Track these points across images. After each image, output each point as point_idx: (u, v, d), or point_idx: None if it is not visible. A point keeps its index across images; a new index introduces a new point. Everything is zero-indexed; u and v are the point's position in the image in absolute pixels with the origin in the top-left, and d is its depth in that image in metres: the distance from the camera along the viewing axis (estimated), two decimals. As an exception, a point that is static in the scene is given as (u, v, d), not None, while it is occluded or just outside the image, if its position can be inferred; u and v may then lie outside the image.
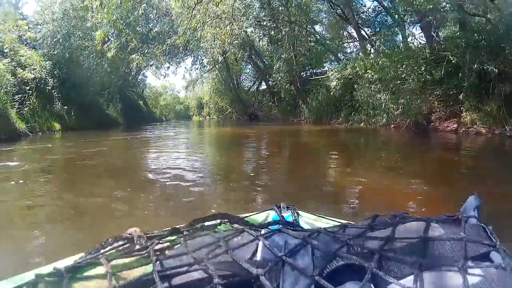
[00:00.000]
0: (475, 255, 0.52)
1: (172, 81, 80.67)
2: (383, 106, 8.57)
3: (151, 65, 21.50)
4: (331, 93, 12.22)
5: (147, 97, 33.38)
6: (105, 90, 19.20)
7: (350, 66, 11.17)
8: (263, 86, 27.51)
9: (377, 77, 8.76)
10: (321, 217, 0.89)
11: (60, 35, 15.42)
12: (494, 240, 0.54)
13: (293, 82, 16.87)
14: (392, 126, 8.99)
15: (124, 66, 16.61)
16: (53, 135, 11.89)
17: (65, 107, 14.09)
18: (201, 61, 26.48)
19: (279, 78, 15.74)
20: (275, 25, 14.56)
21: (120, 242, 0.65)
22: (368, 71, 9.01)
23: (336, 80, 11.61)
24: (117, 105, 20.29)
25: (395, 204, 2.88)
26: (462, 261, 0.49)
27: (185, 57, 26.69)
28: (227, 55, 15.52)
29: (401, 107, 8.05)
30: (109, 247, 0.63)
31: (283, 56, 14.54)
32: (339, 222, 0.81)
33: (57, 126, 12.97)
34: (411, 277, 0.49)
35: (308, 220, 0.88)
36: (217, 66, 27.25)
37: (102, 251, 0.61)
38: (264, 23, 14.95)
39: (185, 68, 26.84)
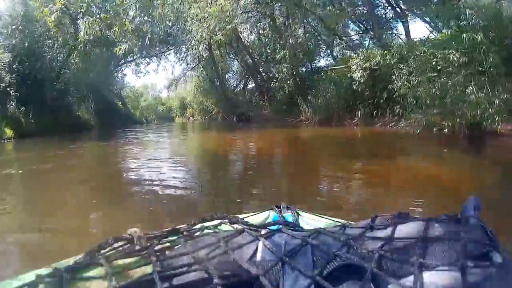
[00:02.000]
0: (475, 255, 0.50)
1: (153, 80, 77.39)
2: (468, 101, 6.32)
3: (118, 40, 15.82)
4: (353, 86, 10.20)
5: (126, 98, 30.72)
6: (75, 88, 16.56)
7: (379, 53, 9.18)
8: (251, 85, 25.57)
9: (464, 60, 6.69)
10: (321, 217, 0.87)
11: (19, 20, 12.79)
12: (494, 240, 0.52)
13: (293, 78, 14.87)
14: (435, 129, 7.14)
15: (68, 33, 13.37)
16: (3, 144, 9.43)
17: (22, 108, 11.57)
18: (185, 56, 24.19)
19: (284, 69, 13.51)
20: (279, 3, 12.41)
21: (120, 243, 0.63)
22: (451, 51, 6.88)
23: (361, 71, 9.60)
24: (90, 106, 17.68)
25: None
26: (462, 261, 0.48)
27: (168, 52, 24.38)
28: (216, 37, 12.87)
29: (496, 103, 6.14)
30: (109, 248, 0.61)
31: (290, 41, 12.34)
32: (339, 222, 0.79)
33: (9, 132, 10.44)
34: (411, 277, 0.48)
35: (308, 220, 0.85)
36: (201, 64, 25.10)
37: (102, 251, 0.60)
38: (263, 7, 12.75)
39: (167, 58, 24.36)
